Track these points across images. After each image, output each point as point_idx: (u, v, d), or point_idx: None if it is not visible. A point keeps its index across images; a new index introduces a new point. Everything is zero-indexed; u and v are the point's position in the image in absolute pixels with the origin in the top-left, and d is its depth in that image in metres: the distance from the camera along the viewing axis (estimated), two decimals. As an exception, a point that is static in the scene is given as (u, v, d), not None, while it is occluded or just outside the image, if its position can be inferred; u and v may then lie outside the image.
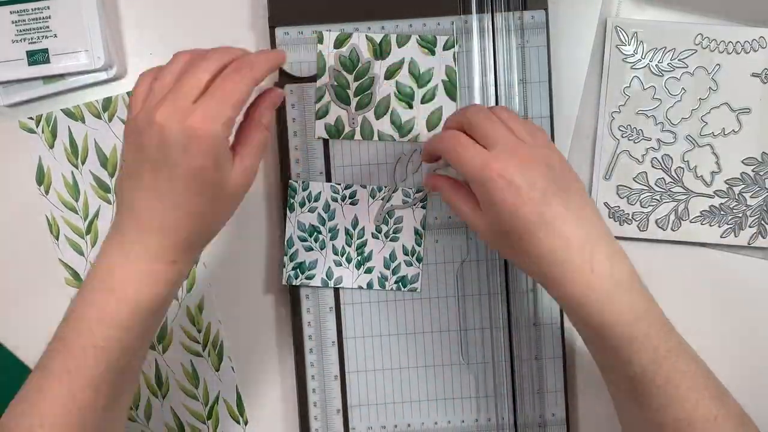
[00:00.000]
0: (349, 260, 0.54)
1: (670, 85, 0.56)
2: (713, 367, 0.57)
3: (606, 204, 0.57)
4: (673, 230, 0.56)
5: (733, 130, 0.56)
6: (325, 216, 0.53)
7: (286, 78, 0.55)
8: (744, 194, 0.56)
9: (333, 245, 0.54)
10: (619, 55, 0.56)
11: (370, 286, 0.54)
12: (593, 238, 0.43)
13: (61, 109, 0.55)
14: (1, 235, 0.57)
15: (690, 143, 0.56)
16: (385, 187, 0.52)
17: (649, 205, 0.56)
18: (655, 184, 0.56)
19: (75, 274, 0.56)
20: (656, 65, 0.56)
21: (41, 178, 0.55)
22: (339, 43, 0.55)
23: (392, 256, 0.54)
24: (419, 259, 0.54)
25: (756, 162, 0.56)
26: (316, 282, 0.54)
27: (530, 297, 0.56)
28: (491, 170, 0.42)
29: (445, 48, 0.55)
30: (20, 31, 0.55)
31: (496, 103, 0.55)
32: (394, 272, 0.55)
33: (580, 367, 0.58)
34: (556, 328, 0.56)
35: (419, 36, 0.55)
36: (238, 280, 0.57)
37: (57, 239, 0.56)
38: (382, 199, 0.53)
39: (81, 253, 0.56)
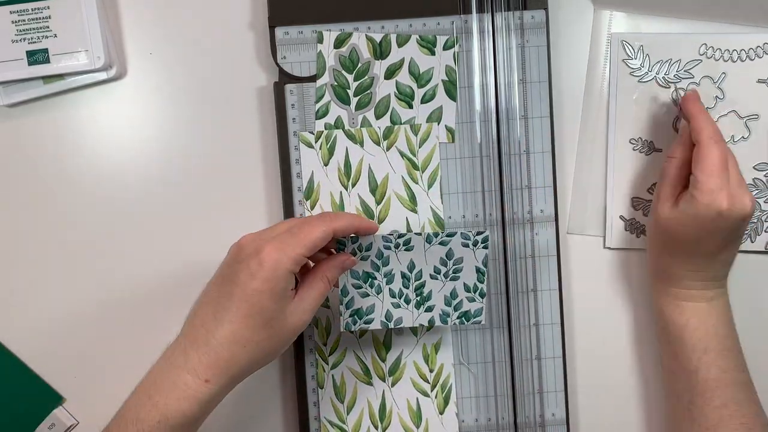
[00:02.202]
0: (407, 301, 0.52)
1: (677, 96, 0.56)
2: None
3: (621, 217, 0.57)
4: None
5: (742, 137, 0.56)
6: (378, 263, 0.51)
7: (286, 78, 0.55)
8: (758, 200, 0.56)
9: (390, 289, 0.51)
10: (626, 69, 0.56)
11: (431, 322, 0.52)
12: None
13: (343, 130, 0.54)
14: None
15: None
16: (441, 233, 0.50)
17: None
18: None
19: None
20: (663, 77, 0.56)
21: (309, 193, 0.55)
22: (339, 43, 0.55)
23: (453, 294, 0.52)
24: (482, 295, 0.52)
25: (767, 167, 0.56)
26: (376, 325, 0.52)
27: (530, 297, 0.56)
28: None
29: (445, 48, 0.55)
30: (20, 31, 0.55)
31: (497, 102, 0.55)
32: (455, 308, 0.52)
33: (580, 367, 0.58)
34: (556, 328, 0.56)
35: (419, 36, 0.55)
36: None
37: None
38: (440, 243, 0.50)
39: None
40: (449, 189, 0.56)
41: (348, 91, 0.55)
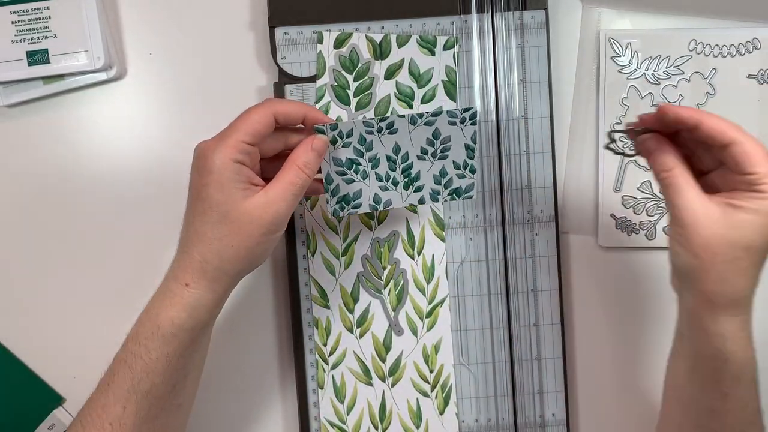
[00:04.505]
0: (395, 184, 0.50)
1: (667, 93, 0.56)
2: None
3: (613, 215, 0.57)
4: None
5: None
6: (361, 148, 0.49)
7: (286, 78, 0.55)
8: None
9: (376, 173, 0.50)
10: (614, 67, 0.56)
11: (421, 201, 0.51)
12: None
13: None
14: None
15: None
16: (427, 112, 0.49)
17: (655, 214, 0.56)
18: (660, 192, 0.56)
19: (322, 292, 0.55)
20: (652, 74, 0.56)
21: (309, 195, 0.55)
22: (339, 43, 0.55)
23: (443, 173, 0.50)
24: (473, 171, 0.50)
25: None
26: (365, 209, 0.51)
27: (530, 297, 0.56)
28: None
29: (445, 48, 0.55)
30: (20, 31, 0.55)
31: (497, 102, 0.55)
32: (446, 186, 0.51)
33: (580, 367, 0.58)
34: (556, 328, 0.56)
35: (419, 36, 0.55)
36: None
37: (313, 256, 0.55)
38: (426, 124, 0.48)
39: (333, 273, 0.55)
40: (449, 189, 0.56)
41: (348, 91, 0.55)
